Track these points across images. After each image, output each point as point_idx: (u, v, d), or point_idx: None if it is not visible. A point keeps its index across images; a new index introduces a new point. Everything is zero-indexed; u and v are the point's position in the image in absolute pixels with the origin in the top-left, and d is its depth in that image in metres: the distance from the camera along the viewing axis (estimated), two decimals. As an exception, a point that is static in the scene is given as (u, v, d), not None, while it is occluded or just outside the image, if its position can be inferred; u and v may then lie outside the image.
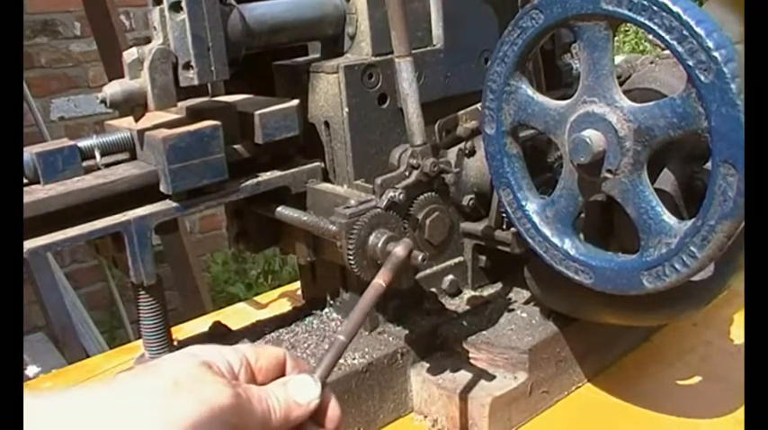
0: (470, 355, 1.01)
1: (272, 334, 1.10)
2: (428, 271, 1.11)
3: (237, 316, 1.35)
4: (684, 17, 0.67)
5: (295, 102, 0.96)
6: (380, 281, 0.75)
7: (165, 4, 0.83)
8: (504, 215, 1.01)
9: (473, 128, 1.02)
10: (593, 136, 0.76)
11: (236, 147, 0.94)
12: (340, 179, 1.01)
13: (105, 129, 0.95)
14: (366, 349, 1.01)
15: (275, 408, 0.61)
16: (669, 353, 1.12)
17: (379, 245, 0.87)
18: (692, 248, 0.72)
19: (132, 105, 0.85)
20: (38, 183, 0.84)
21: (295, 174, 0.98)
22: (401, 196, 0.90)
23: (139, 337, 1.00)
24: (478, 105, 0.92)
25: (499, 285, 1.18)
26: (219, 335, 1.08)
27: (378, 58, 0.98)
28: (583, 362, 1.04)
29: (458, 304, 1.13)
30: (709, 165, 0.72)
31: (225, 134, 0.89)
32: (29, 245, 0.79)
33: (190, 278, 3.06)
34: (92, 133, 0.94)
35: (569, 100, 0.80)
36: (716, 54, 0.65)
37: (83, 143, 0.88)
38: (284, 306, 1.37)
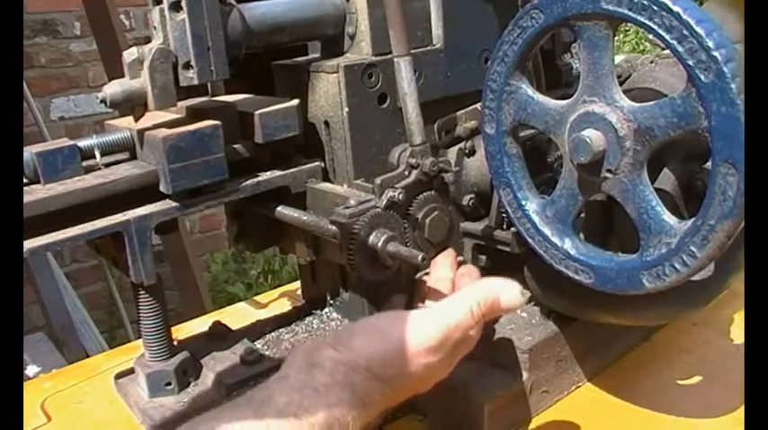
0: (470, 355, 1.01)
1: (272, 334, 1.10)
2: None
3: (237, 316, 1.35)
4: (684, 16, 0.67)
5: (295, 101, 0.96)
6: None
7: (165, 4, 0.83)
8: (504, 215, 1.01)
9: (473, 127, 1.02)
10: (593, 135, 0.76)
11: (236, 146, 0.94)
12: (340, 179, 1.01)
13: (105, 128, 0.95)
14: (366, 349, 1.01)
15: None
16: (669, 353, 1.12)
17: (379, 245, 0.87)
18: (692, 248, 0.72)
19: (132, 105, 0.85)
20: (38, 182, 0.84)
21: (295, 173, 0.98)
22: (401, 196, 0.90)
23: (139, 337, 1.01)
24: (478, 105, 0.92)
25: (499, 285, 1.17)
26: (219, 334, 1.08)
27: (378, 58, 0.98)
28: (583, 362, 1.04)
29: (458, 304, 1.13)
30: (709, 164, 0.72)
31: (225, 134, 0.89)
32: (29, 245, 0.79)
33: (190, 278, 3.06)
34: (92, 133, 0.94)
35: (569, 100, 0.80)
36: (716, 54, 0.65)
37: (83, 143, 0.88)
38: (284, 306, 1.37)
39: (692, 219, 0.72)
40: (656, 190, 0.77)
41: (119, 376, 1.04)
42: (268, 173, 0.97)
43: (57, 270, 3.23)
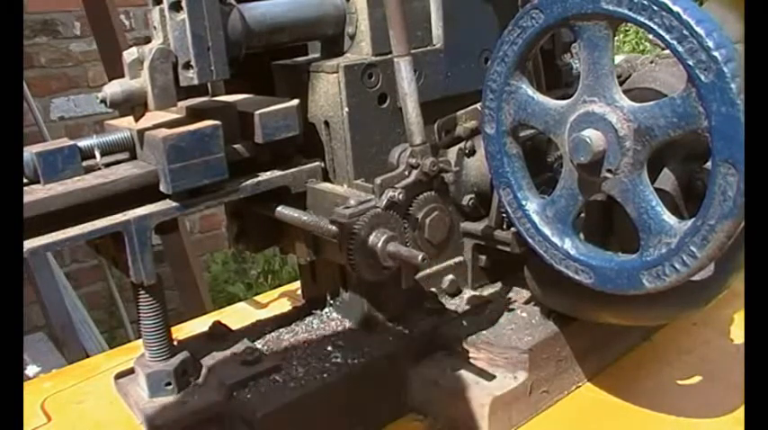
0: (470, 355, 1.01)
1: (272, 334, 1.10)
2: (428, 271, 1.11)
3: (237, 316, 1.35)
4: (684, 17, 0.67)
5: (295, 101, 0.96)
6: None
7: (165, 4, 0.83)
8: (504, 215, 1.02)
9: (473, 127, 1.02)
10: (593, 135, 0.76)
11: (236, 146, 0.94)
12: (340, 179, 1.01)
13: (105, 128, 0.95)
14: (366, 349, 1.01)
15: None
16: (669, 353, 1.12)
17: (379, 245, 0.87)
18: (692, 248, 0.72)
19: (132, 105, 0.85)
20: (38, 182, 0.84)
21: (295, 173, 0.98)
22: (401, 196, 0.90)
23: (139, 337, 1.00)
24: (478, 105, 0.92)
25: (499, 285, 1.18)
26: (219, 334, 1.08)
27: (378, 58, 0.98)
28: (583, 362, 1.04)
29: (458, 304, 1.13)
30: (709, 164, 0.72)
31: (225, 134, 0.89)
32: (29, 245, 0.79)
33: (190, 278, 3.06)
34: (92, 133, 0.94)
35: (569, 100, 0.80)
36: (716, 54, 0.65)
37: (83, 143, 0.88)
38: (284, 306, 1.37)
39: (692, 219, 0.72)
40: (656, 190, 0.77)
41: (119, 376, 1.04)
42: (268, 173, 0.96)
43: (57, 270, 3.22)
